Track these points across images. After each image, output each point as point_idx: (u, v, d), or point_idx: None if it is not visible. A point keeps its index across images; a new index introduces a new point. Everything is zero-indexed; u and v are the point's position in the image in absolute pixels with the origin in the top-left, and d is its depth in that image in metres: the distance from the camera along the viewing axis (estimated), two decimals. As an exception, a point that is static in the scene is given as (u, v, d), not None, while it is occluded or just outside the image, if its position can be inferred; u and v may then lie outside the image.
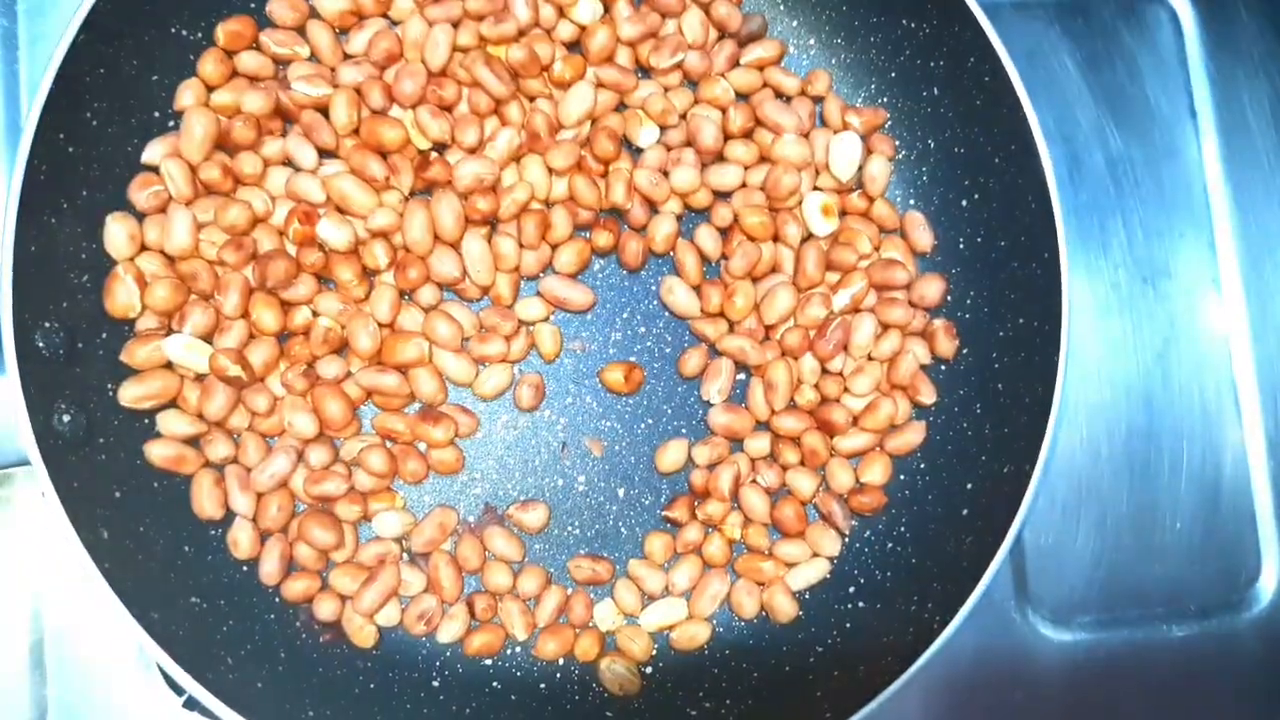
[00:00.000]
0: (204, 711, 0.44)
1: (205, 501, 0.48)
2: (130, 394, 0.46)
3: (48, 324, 0.44)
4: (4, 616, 0.50)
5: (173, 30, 0.49)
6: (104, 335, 0.47)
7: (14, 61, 0.53)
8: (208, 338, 0.48)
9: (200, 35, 0.49)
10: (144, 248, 0.48)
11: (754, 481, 0.52)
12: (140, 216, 0.48)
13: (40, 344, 0.44)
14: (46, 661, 0.50)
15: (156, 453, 0.47)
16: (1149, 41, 0.59)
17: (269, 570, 0.48)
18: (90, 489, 0.44)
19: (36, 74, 0.48)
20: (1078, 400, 0.56)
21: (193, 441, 0.48)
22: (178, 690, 0.47)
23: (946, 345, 0.52)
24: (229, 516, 0.48)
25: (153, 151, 0.48)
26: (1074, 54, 0.59)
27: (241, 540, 0.48)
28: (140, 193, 0.47)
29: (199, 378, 0.48)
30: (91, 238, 0.46)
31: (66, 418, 0.44)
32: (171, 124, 0.49)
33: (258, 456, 0.49)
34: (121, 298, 0.46)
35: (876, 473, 0.52)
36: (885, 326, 0.52)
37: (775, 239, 0.53)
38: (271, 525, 0.48)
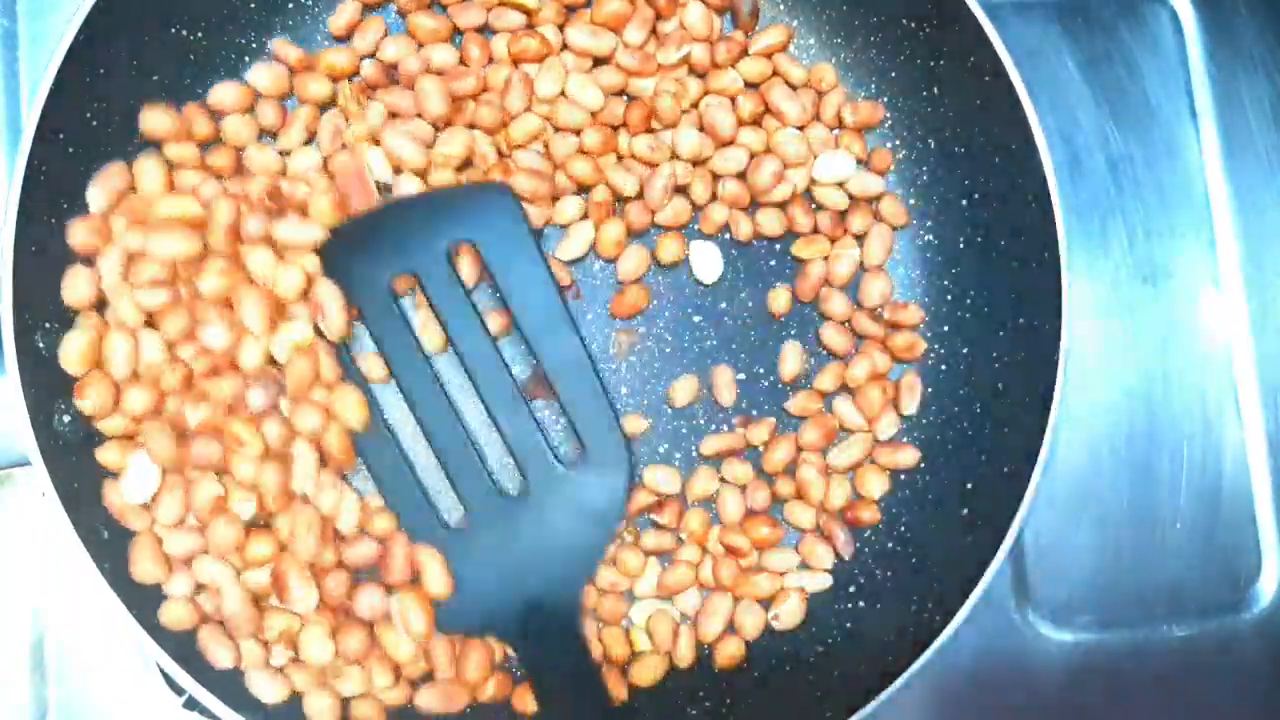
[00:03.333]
0: (204, 711, 0.44)
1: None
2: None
3: (48, 324, 0.44)
4: (4, 616, 0.50)
5: (173, 30, 0.48)
6: (104, 335, 0.47)
7: (14, 61, 0.53)
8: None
9: (200, 35, 0.49)
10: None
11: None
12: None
13: (40, 344, 0.44)
14: (46, 661, 0.50)
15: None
16: (1149, 41, 0.59)
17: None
18: (90, 489, 0.44)
19: (36, 74, 0.48)
20: (1078, 400, 0.56)
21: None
22: (178, 690, 0.47)
23: (910, 404, 0.52)
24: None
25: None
26: (1074, 54, 0.59)
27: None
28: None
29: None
30: (91, 238, 0.46)
31: (67, 418, 0.44)
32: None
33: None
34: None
35: (873, 487, 0.52)
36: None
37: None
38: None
